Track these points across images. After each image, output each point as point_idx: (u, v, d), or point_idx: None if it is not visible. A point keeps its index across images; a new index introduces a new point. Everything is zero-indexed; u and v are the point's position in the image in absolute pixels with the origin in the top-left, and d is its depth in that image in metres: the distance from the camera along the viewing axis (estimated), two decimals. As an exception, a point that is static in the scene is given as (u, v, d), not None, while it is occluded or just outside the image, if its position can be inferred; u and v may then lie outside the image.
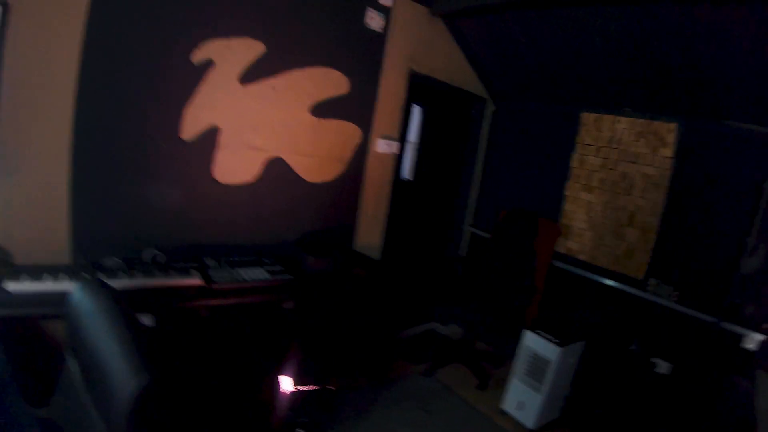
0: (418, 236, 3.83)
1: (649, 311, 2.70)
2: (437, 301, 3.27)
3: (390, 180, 3.24)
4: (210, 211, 2.46)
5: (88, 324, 1.18)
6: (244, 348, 2.33)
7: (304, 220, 2.84)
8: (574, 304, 3.11)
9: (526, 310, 3.22)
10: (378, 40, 2.86)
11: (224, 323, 2.27)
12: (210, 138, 2.38)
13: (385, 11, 2.84)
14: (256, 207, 2.62)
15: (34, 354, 1.92)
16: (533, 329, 2.63)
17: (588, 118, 3.00)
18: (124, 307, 1.21)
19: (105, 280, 1.63)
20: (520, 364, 2.66)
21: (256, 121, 2.49)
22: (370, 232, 3.23)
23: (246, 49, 2.39)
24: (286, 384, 1.78)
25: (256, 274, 2.29)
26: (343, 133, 2.88)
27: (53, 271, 1.94)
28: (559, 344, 2.48)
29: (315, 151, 2.76)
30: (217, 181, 2.44)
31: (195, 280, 2.13)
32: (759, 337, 2.28)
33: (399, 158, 3.33)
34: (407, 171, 3.60)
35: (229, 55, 2.33)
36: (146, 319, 1.83)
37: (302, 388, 1.80)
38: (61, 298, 1.71)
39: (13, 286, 1.79)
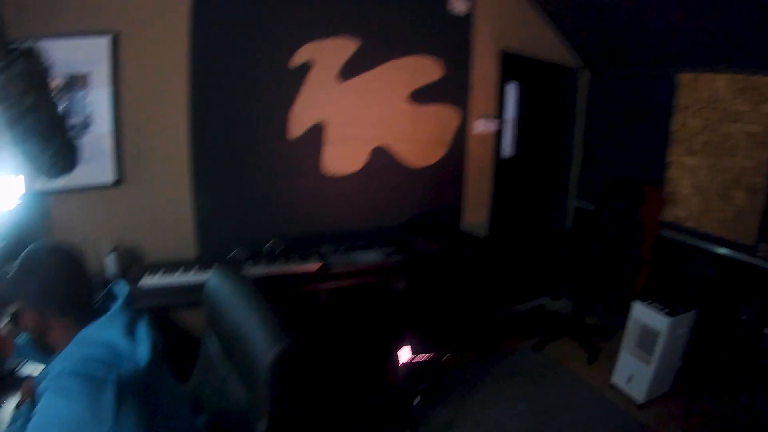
0: (523, 213, 4.54)
1: (760, 279, 3.12)
2: (545, 277, 4.01)
3: (491, 159, 3.97)
4: (322, 202, 3.31)
5: (227, 303, 1.71)
6: (362, 324, 3.17)
7: (412, 204, 3.64)
8: (682, 274, 3.62)
9: (634, 281, 3.78)
10: (465, 23, 3.56)
11: (341, 304, 3.11)
12: (316, 134, 3.21)
13: (467, -5, 3.53)
14: (365, 194, 3.44)
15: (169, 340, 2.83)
16: (642, 300, 3.17)
17: (685, 78, 3.49)
18: (257, 286, 1.77)
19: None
20: (629, 337, 3.22)
21: (358, 115, 3.30)
22: (475, 212, 3.98)
23: (340, 48, 3.18)
24: (405, 354, 2.52)
25: (369, 257, 3.11)
26: (442, 116, 3.62)
27: (182, 265, 2.83)
28: (668, 314, 3.00)
29: (416, 137, 3.53)
30: (326, 174, 3.29)
31: (313, 265, 2.97)
32: None
33: (498, 136, 4.03)
34: (507, 148, 4.28)
35: (326, 55, 3.14)
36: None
37: (419, 357, 2.52)
38: (189, 289, 2.59)
39: (147, 282, 2.68)
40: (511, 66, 3.98)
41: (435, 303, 3.43)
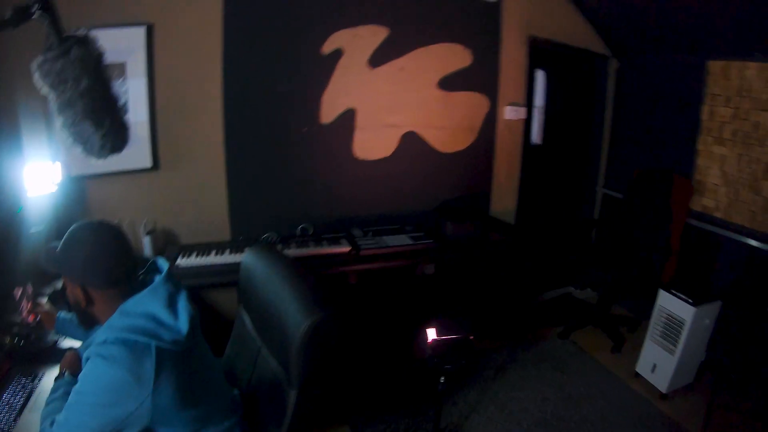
0: (551, 200, 4.56)
1: None
2: (573, 265, 4.01)
3: (520, 145, 4.00)
4: (354, 186, 3.39)
5: (262, 280, 1.78)
6: (391, 306, 3.23)
7: (441, 189, 3.70)
8: (710, 265, 3.60)
9: (662, 271, 3.76)
10: (494, 10, 3.58)
11: (371, 286, 3.17)
12: (347, 120, 3.28)
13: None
14: (396, 179, 3.51)
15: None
16: (668, 289, 3.16)
17: (715, 66, 3.43)
18: (294, 262, 1.85)
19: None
20: (654, 325, 3.22)
21: (389, 100, 3.35)
22: (504, 198, 4.02)
23: (371, 35, 3.23)
24: (431, 334, 2.56)
25: (398, 240, 3.17)
26: (471, 103, 3.66)
27: (215, 247, 2.93)
28: (692, 303, 2.98)
29: (446, 123, 3.58)
30: (357, 159, 3.37)
31: (344, 248, 3.04)
32: None
33: (527, 124, 4.05)
34: (536, 135, 4.30)
35: (356, 42, 3.20)
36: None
37: (444, 337, 2.56)
38: (222, 270, 2.67)
39: (182, 262, 2.76)
40: (540, 53, 3.98)
41: (463, 288, 3.48)
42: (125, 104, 2.67)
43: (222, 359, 2.04)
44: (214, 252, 2.87)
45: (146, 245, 2.81)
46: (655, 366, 3.21)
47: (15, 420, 1.54)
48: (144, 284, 1.42)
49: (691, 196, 3.69)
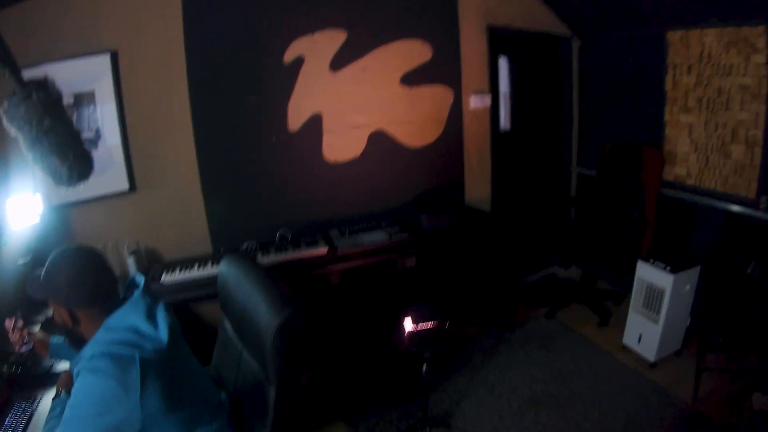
0: (526, 183, 4.67)
1: (764, 231, 3.16)
2: (553, 245, 4.16)
3: (489, 133, 4.11)
4: (328, 189, 3.50)
5: (235, 286, 1.90)
6: (375, 302, 3.37)
7: (415, 183, 3.83)
8: (687, 231, 3.70)
9: (640, 243, 3.83)
10: (450, 2, 3.68)
11: (353, 285, 3.30)
12: (315, 125, 3.39)
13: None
14: (369, 178, 3.63)
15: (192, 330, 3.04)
16: (646, 259, 3.26)
17: (674, 36, 3.51)
18: (261, 267, 1.98)
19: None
20: (635, 296, 3.32)
21: (354, 102, 3.46)
22: (478, 186, 4.15)
23: (330, 39, 3.33)
24: (408, 325, 2.70)
25: (376, 237, 3.29)
26: (436, 96, 3.77)
27: (198, 261, 3.06)
28: (671, 271, 3.08)
29: (412, 118, 3.70)
30: (328, 162, 3.48)
31: (322, 249, 3.17)
32: None
33: (494, 111, 4.16)
34: (505, 122, 4.40)
35: (316, 48, 3.30)
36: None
37: (421, 326, 2.70)
38: (206, 282, 2.82)
39: (167, 279, 2.91)
40: (501, 40, 4.06)
41: (446, 277, 3.62)
42: (97, 131, 2.85)
43: (210, 366, 2.17)
44: (197, 266, 2.99)
45: (131, 265, 2.94)
46: (641, 336, 3.31)
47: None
48: (124, 300, 1.55)
49: (662, 166, 3.78)
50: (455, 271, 3.73)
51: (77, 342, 1.56)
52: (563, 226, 4.70)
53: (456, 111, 3.90)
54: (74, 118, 2.65)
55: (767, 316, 3.14)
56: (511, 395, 3.11)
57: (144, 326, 1.47)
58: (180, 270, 2.96)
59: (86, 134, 2.80)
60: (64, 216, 2.86)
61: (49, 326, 2.34)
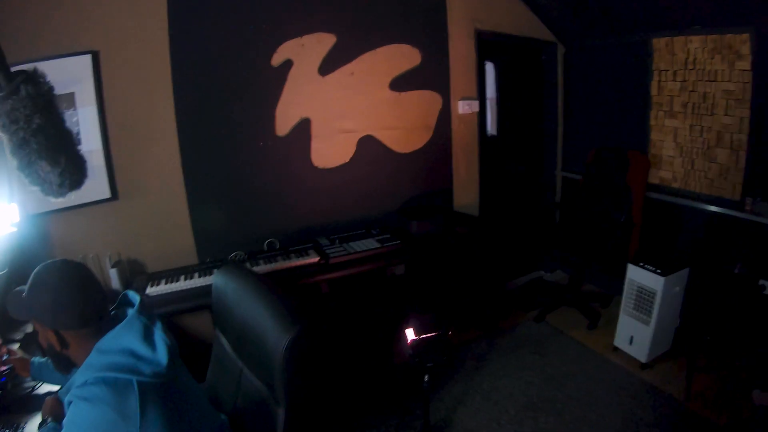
0: (513, 188, 4.67)
1: (750, 232, 3.22)
2: (540, 249, 4.12)
3: (476, 138, 4.07)
4: (316, 196, 3.39)
5: (234, 300, 1.77)
6: (366, 311, 3.26)
7: (404, 189, 3.75)
8: (673, 234, 3.74)
9: (627, 245, 3.87)
10: (438, 7, 3.63)
11: (344, 294, 3.19)
12: (303, 130, 3.28)
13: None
14: (357, 184, 3.53)
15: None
16: (636, 262, 3.26)
17: (659, 43, 3.55)
18: (262, 278, 1.86)
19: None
20: (627, 299, 3.33)
21: (342, 107, 3.36)
22: (466, 191, 4.10)
23: (319, 43, 3.23)
24: (409, 334, 2.60)
25: (366, 244, 3.19)
26: (424, 101, 3.70)
27: (183, 272, 2.90)
28: (661, 274, 3.10)
29: (401, 124, 3.62)
30: (317, 168, 3.37)
31: (313, 259, 3.05)
32: None
33: (482, 116, 4.13)
34: (491, 127, 4.39)
35: (305, 51, 3.20)
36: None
37: (423, 336, 2.61)
38: (193, 294, 2.67)
39: (151, 291, 2.75)
40: (488, 45, 4.05)
41: (435, 284, 3.54)
42: (77, 135, 2.66)
43: (204, 384, 2.03)
44: (182, 277, 2.84)
45: (113, 277, 2.76)
46: (632, 338, 3.32)
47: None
48: (116, 319, 1.40)
49: (648, 169, 3.81)
50: (445, 277, 3.64)
51: (66, 366, 1.42)
52: (549, 230, 4.70)
53: (445, 116, 3.85)
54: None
55: (755, 314, 3.15)
56: (508, 402, 3.06)
57: (140, 348, 1.33)
58: (165, 282, 2.80)
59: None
60: (42, 225, 2.67)
61: (28, 345, 2.14)
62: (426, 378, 2.51)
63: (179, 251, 3.07)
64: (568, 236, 4.20)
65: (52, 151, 1.42)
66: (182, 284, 2.78)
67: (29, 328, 2.25)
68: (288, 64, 3.17)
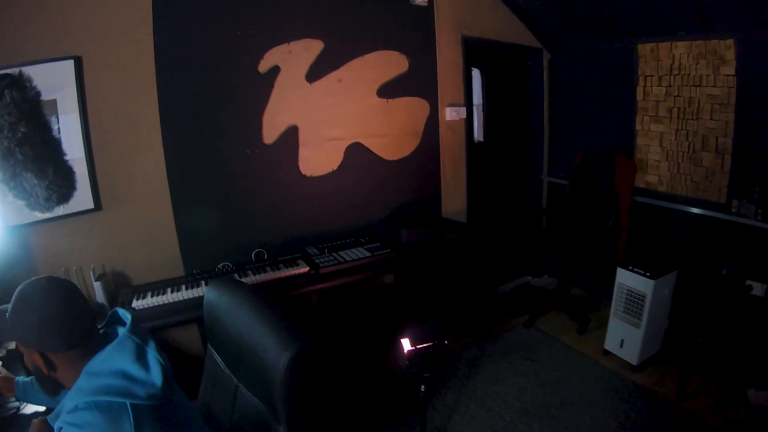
0: (500, 194, 4.67)
1: (736, 234, 3.27)
2: (528, 255, 4.10)
3: (464, 145, 4.05)
4: (304, 204, 3.32)
5: (228, 316, 1.67)
6: (357, 322, 3.19)
7: (392, 197, 3.70)
8: (661, 237, 3.78)
9: (615, 249, 3.89)
10: (426, 14, 3.60)
11: (334, 304, 3.11)
12: (291, 137, 3.21)
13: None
14: (346, 192, 3.47)
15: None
16: (625, 266, 3.28)
17: (644, 48, 3.59)
18: (257, 291, 1.76)
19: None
20: (616, 303, 3.34)
21: (330, 114, 3.31)
22: (454, 198, 4.07)
23: (306, 50, 3.17)
24: (406, 345, 2.54)
25: (356, 253, 3.12)
26: (412, 108, 3.67)
27: (170, 285, 2.81)
28: (651, 277, 3.12)
29: (389, 131, 3.58)
30: (305, 176, 3.30)
31: (302, 269, 2.97)
32: None
33: (469, 123, 4.10)
34: (479, 133, 4.39)
35: (292, 58, 3.13)
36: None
37: (419, 346, 2.55)
38: (180, 307, 2.58)
39: (137, 305, 2.65)
40: (475, 52, 4.05)
41: (424, 292, 3.50)
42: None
43: (196, 402, 1.94)
44: (169, 290, 2.74)
45: (98, 291, 2.65)
46: (623, 341, 3.34)
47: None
48: (106, 338, 1.32)
49: (634, 174, 3.84)
50: (435, 285, 3.60)
51: (54, 389, 1.33)
52: (537, 235, 4.70)
53: (432, 123, 3.82)
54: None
55: (743, 314, 3.18)
56: (502, 408, 3.04)
57: (133, 369, 1.24)
58: (152, 295, 2.69)
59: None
60: (22, 237, 2.54)
61: (12, 362, 2.03)
62: (422, 388, 2.45)
63: (165, 263, 2.96)
64: (555, 241, 4.20)
65: (38, 161, 1.34)
66: (169, 297, 2.68)
67: (12, 345, 2.13)
68: (275, 71, 3.10)
